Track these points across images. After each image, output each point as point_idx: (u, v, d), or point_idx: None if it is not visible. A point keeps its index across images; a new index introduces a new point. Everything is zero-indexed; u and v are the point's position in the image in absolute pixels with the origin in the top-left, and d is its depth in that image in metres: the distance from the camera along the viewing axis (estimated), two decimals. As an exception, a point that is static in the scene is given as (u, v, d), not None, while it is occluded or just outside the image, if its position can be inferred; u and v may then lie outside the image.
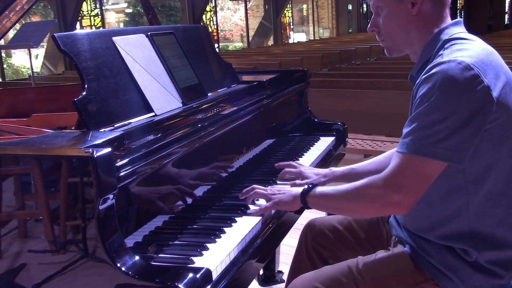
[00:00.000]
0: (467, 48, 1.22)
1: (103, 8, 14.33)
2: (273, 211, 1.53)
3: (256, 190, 1.52)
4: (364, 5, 21.44)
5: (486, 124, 1.17)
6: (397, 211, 1.28)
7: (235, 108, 1.79)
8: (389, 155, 1.73)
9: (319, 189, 1.40)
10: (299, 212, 1.68)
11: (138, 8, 18.62)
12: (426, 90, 1.19)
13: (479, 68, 1.16)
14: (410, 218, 1.39)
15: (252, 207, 1.51)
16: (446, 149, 1.15)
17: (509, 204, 1.26)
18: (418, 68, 1.36)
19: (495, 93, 1.17)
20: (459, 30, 1.32)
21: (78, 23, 12.79)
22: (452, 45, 1.26)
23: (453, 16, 1.35)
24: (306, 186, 1.43)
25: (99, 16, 13.59)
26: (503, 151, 1.23)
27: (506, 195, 1.26)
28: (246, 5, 19.08)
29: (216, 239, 1.30)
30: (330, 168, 1.77)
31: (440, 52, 1.25)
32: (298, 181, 1.72)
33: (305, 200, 1.40)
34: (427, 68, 1.23)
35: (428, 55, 1.32)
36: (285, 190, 1.49)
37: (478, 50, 1.22)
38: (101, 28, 13.01)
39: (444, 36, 1.31)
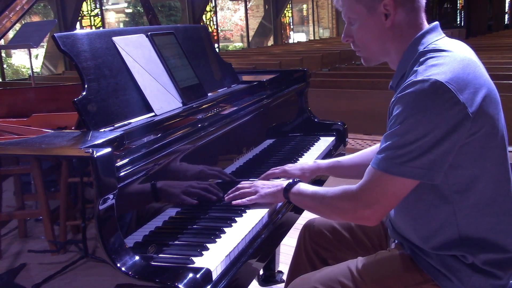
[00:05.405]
0: (442, 63, 1.17)
1: (103, 8, 14.33)
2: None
3: (242, 190, 1.53)
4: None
5: (462, 140, 1.16)
6: (367, 224, 1.31)
7: (235, 108, 1.80)
8: (376, 149, 1.72)
9: (302, 186, 1.43)
10: (299, 212, 1.68)
11: (138, 8, 18.63)
12: (400, 111, 1.17)
13: (455, 85, 1.13)
14: (402, 230, 1.39)
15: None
16: (417, 167, 1.15)
17: (498, 212, 1.25)
18: (397, 80, 1.34)
19: (471, 109, 1.14)
20: (436, 37, 1.29)
21: (78, 23, 12.80)
22: (427, 59, 1.21)
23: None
24: (290, 181, 1.47)
25: (99, 16, 13.59)
26: (487, 161, 1.22)
27: (495, 204, 1.25)
28: (246, 5, 19.08)
29: (216, 239, 1.30)
30: (315, 161, 1.78)
31: (415, 68, 1.21)
32: (282, 179, 1.72)
33: (287, 195, 1.45)
34: (402, 86, 1.20)
35: (405, 67, 1.30)
36: (271, 184, 1.53)
37: (454, 63, 1.17)
38: (101, 28, 13.01)
39: (420, 47, 1.27)
